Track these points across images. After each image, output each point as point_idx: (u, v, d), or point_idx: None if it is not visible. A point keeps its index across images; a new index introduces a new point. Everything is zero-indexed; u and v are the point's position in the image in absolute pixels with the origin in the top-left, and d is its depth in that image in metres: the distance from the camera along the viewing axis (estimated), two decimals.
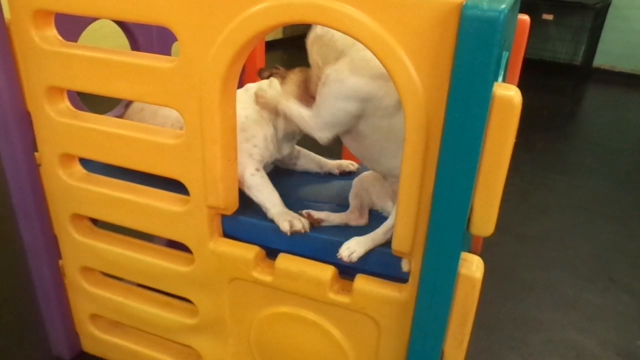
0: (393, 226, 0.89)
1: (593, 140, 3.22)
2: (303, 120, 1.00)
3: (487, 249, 1.79)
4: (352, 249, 0.95)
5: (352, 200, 1.06)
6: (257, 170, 1.04)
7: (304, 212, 1.04)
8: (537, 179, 2.58)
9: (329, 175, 1.26)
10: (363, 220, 1.05)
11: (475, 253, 0.88)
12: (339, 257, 0.95)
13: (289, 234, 0.99)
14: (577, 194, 2.47)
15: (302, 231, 0.99)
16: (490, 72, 0.67)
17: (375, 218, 1.05)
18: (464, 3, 0.67)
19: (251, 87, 1.13)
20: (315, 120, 0.98)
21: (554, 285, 1.78)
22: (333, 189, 1.19)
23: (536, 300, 1.70)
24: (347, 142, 1.02)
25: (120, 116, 1.29)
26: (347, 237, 0.97)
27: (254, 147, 1.05)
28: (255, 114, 1.08)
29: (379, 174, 1.03)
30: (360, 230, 1.00)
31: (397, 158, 0.96)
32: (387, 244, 0.93)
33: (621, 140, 3.24)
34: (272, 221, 1.02)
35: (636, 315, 1.66)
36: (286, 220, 1.00)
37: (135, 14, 0.88)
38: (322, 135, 0.98)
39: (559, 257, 1.94)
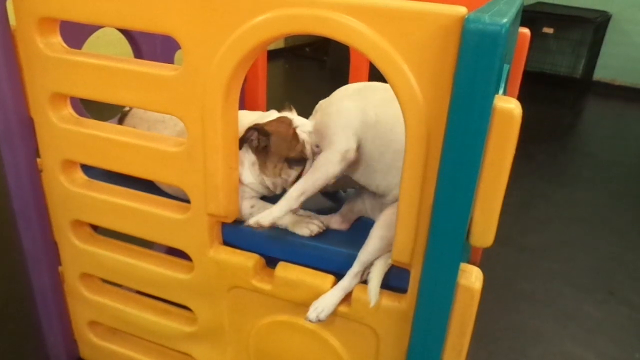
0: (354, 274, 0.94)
1: (593, 153, 3.23)
2: (325, 162, 0.94)
3: (486, 260, 1.79)
4: (320, 307, 0.95)
5: (345, 205, 1.08)
6: (253, 207, 1.04)
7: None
8: (537, 191, 2.58)
9: None
10: (344, 225, 1.07)
11: (474, 264, 0.88)
12: (307, 320, 0.95)
13: (312, 236, 1.01)
14: (576, 205, 2.47)
15: (322, 230, 1.02)
16: (491, 84, 0.68)
17: (364, 227, 1.00)
18: (466, 17, 0.67)
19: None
20: (332, 146, 0.94)
21: (553, 296, 1.78)
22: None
23: (535, 311, 1.70)
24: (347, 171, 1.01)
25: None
26: (346, 246, 0.98)
27: (243, 185, 1.05)
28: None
29: (380, 194, 1.02)
30: (348, 235, 1.02)
31: (391, 175, 0.96)
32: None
33: (621, 152, 3.25)
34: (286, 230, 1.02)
35: (635, 327, 1.66)
36: (303, 227, 1.02)
37: (140, 23, 0.89)
38: (346, 147, 0.93)
39: (559, 269, 1.94)
